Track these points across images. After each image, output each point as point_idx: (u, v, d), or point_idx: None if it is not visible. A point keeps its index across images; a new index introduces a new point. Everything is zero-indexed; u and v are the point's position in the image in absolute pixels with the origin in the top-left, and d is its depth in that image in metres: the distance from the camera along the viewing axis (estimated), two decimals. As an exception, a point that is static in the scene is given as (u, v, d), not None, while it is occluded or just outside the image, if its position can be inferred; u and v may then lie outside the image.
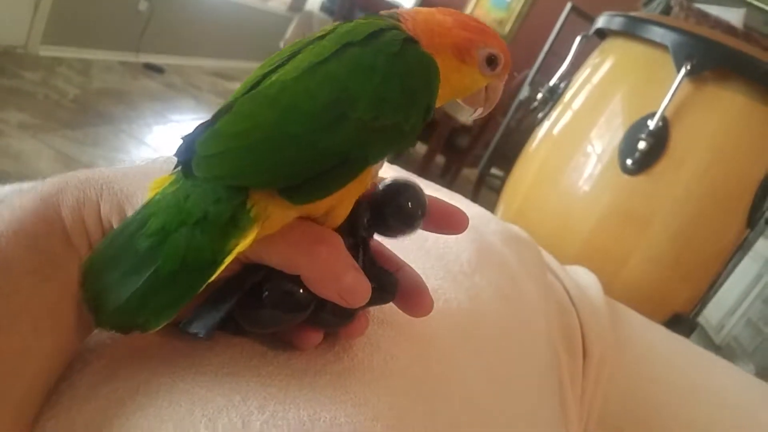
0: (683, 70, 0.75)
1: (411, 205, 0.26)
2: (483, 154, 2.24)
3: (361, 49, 0.23)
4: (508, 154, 1.83)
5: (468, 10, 4.80)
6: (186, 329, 0.23)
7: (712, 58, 0.76)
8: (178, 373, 0.24)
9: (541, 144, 1.01)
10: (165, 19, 3.20)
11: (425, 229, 0.29)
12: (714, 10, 1.16)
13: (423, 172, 2.19)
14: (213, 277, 0.20)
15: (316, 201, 0.22)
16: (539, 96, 1.05)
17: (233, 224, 0.21)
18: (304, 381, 0.24)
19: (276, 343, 0.26)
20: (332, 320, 0.25)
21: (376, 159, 0.23)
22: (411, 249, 0.39)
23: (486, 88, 0.28)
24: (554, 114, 1.01)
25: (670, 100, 0.76)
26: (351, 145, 0.22)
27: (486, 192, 2.79)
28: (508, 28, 4.75)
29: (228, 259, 0.21)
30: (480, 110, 0.29)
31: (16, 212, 0.23)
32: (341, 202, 0.24)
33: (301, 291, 0.23)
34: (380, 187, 0.27)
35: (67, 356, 0.24)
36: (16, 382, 0.21)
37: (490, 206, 1.19)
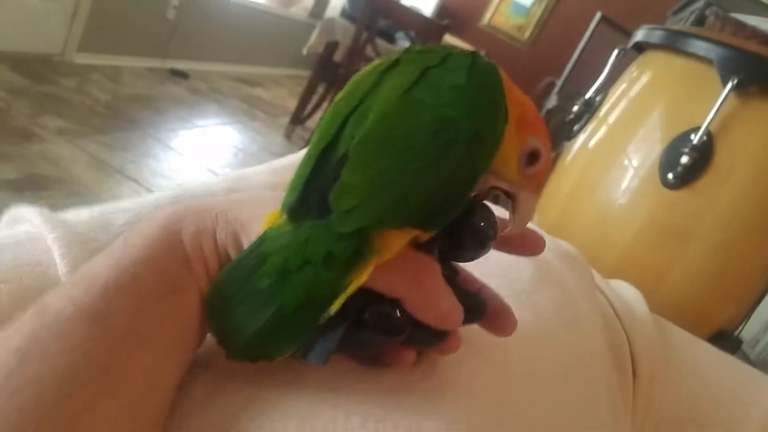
0: (729, 85, 0.75)
1: (484, 224, 0.26)
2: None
3: (441, 69, 0.24)
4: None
5: (487, 15, 4.80)
6: (304, 359, 0.24)
7: (760, 73, 0.76)
8: (282, 388, 0.25)
9: (577, 157, 1.01)
10: (191, 26, 3.26)
11: (503, 251, 0.30)
12: (751, 20, 1.15)
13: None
14: (335, 309, 0.21)
15: (446, 224, 0.23)
16: (575, 108, 1.05)
17: (356, 258, 0.21)
18: (397, 398, 0.25)
19: (365, 360, 0.27)
20: (429, 339, 0.26)
21: (483, 171, 0.24)
22: (474, 267, 0.40)
23: (516, 200, 0.27)
24: (590, 127, 1.01)
25: (715, 115, 0.75)
26: (466, 166, 0.23)
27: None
28: (527, 34, 4.74)
29: (351, 291, 0.21)
30: (509, 227, 0.27)
31: (146, 240, 0.25)
32: None
33: (399, 314, 0.24)
34: None
35: (185, 371, 0.25)
36: (156, 394, 0.23)
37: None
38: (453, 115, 0.23)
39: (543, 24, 4.72)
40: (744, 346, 1.84)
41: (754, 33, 1.00)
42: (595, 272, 0.64)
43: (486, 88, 0.24)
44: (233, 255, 0.25)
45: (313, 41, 3.57)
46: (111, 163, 1.99)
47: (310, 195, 0.22)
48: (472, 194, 0.27)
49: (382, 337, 0.24)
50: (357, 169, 0.22)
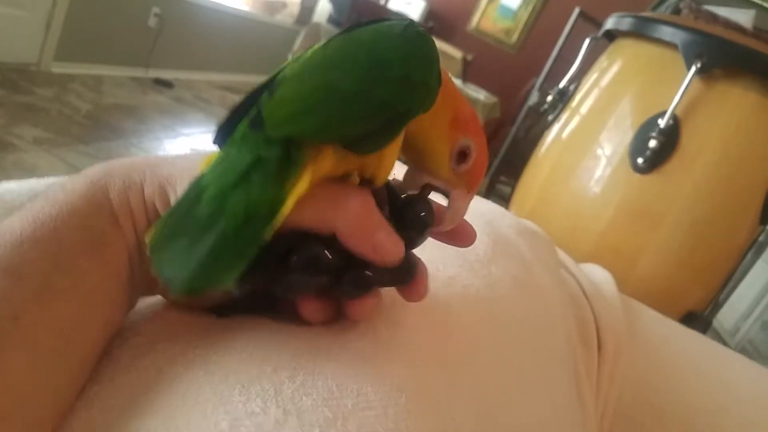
0: (693, 68, 0.76)
1: (424, 214, 0.27)
2: (492, 162, 2.25)
3: (382, 24, 0.26)
4: (516, 162, 1.84)
5: (474, 19, 4.83)
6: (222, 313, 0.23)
7: (722, 56, 0.76)
8: (211, 347, 0.25)
9: (552, 146, 1.02)
10: (174, 34, 3.24)
11: (437, 239, 0.30)
12: (723, 12, 1.16)
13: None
14: (277, 225, 0.21)
15: (375, 152, 0.24)
16: (549, 99, 1.06)
17: (288, 162, 0.21)
18: (330, 355, 0.25)
19: (301, 323, 0.27)
20: (350, 290, 0.26)
21: (416, 113, 0.25)
22: (427, 241, 0.40)
23: (449, 198, 0.28)
24: (564, 116, 1.01)
25: (680, 99, 0.76)
26: (396, 99, 0.23)
27: (495, 200, 2.78)
28: (515, 37, 4.77)
29: (289, 203, 0.21)
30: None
31: (69, 195, 0.24)
32: (386, 157, 0.25)
33: (328, 255, 0.24)
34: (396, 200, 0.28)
35: (112, 330, 0.25)
36: (74, 347, 0.23)
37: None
38: (387, 55, 0.24)
39: (530, 27, 4.75)
40: (724, 335, 1.85)
41: (726, 24, 1.01)
42: (565, 254, 0.65)
43: (420, 42, 0.25)
44: (161, 210, 0.25)
45: (298, 47, 3.58)
46: (92, 171, 1.97)
47: (240, 117, 0.23)
48: (411, 192, 0.28)
49: (308, 278, 0.24)
50: (293, 86, 0.23)
